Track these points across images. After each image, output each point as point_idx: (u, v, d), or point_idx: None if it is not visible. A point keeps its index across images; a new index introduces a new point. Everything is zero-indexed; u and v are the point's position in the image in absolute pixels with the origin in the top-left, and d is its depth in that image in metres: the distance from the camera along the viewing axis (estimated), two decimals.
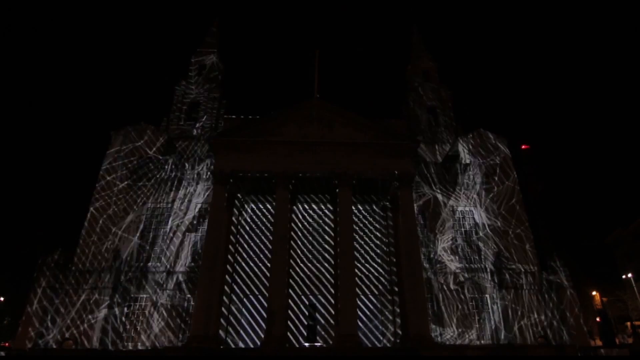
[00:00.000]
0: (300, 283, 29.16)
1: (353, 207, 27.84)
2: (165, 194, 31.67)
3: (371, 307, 28.89)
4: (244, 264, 29.80)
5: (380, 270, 30.09)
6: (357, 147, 28.05)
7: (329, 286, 28.72)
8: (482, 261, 30.79)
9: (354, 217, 29.51)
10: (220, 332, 26.51)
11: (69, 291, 27.08)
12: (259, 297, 28.54)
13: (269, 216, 31.01)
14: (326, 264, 29.89)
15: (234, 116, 30.29)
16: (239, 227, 30.86)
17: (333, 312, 27.30)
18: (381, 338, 27.75)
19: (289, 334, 26.39)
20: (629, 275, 48.53)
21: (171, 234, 30.41)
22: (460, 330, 27.82)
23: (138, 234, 30.42)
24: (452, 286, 29.28)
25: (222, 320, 26.91)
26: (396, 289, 28.40)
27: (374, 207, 32.48)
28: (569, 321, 27.63)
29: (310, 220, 31.97)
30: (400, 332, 26.95)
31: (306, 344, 26.87)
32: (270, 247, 26.33)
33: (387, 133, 28.91)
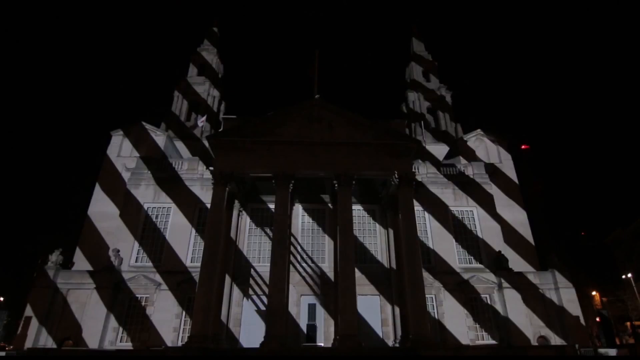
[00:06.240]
0: (300, 283, 29.18)
1: (353, 207, 27.82)
2: (165, 194, 31.65)
3: (371, 307, 28.88)
4: (244, 264, 29.81)
5: (381, 270, 30.09)
6: (357, 147, 28.02)
7: (329, 286, 28.73)
8: (482, 261, 30.79)
9: (354, 217, 29.48)
10: (220, 332, 26.52)
11: (69, 291, 27.06)
12: (259, 297, 28.56)
13: (269, 216, 31.01)
14: (326, 264, 29.90)
15: (234, 116, 30.27)
16: (239, 227, 30.86)
17: (333, 312, 27.30)
18: (381, 338, 27.74)
19: (288, 334, 26.39)
20: (629, 275, 48.59)
21: (171, 234, 30.42)
22: (460, 330, 27.82)
23: (138, 234, 30.40)
24: (452, 286, 29.29)
25: (222, 320, 26.93)
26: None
27: (374, 207, 32.48)
28: (569, 321, 27.63)
29: (310, 220, 31.99)
30: (400, 332, 26.95)
31: (306, 344, 26.87)
32: (270, 247, 26.31)
33: (387, 133, 28.92)
